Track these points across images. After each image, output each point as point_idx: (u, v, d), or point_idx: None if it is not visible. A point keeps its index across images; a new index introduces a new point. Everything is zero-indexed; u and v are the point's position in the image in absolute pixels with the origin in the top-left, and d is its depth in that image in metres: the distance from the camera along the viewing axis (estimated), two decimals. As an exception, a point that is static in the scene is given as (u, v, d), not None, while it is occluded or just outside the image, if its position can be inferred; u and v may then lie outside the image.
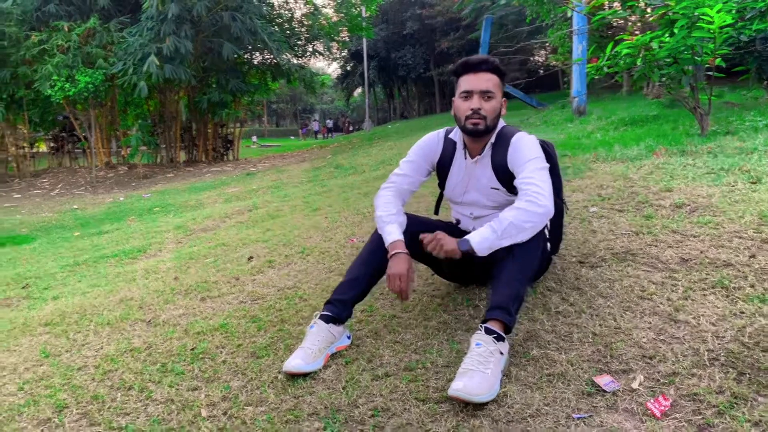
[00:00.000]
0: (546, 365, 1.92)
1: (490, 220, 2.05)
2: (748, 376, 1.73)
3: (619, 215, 3.04)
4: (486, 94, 2.18)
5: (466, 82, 2.20)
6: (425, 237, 2.08)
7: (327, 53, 20.40)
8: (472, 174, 2.33)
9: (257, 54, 17.74)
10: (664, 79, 4.57)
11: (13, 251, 5.89)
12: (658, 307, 2.14)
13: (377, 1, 20.64)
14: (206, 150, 17.79)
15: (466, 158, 2.34)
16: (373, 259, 2.26)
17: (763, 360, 1.77)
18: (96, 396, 2.02)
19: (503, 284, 1.95)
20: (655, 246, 2.59)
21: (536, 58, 30.17)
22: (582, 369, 1.88)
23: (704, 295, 2.16)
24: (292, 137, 49.33)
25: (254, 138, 39.03)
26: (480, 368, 1.78)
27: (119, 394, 2.03)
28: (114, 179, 14.19)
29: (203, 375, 2.11)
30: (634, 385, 1.78)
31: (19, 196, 12.68)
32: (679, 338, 1.96)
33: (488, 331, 1.86)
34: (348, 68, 42.88)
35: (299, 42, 18.73)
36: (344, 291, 2.20)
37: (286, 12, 18.77)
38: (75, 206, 10.08)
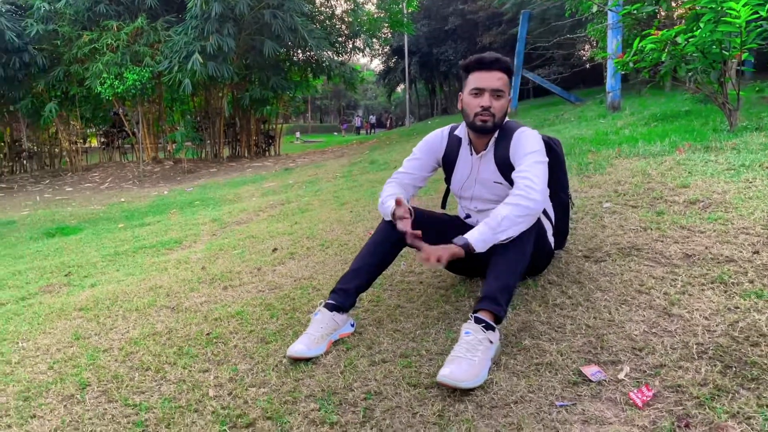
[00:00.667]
0: (536, 355, 1.99)
1: None
2: (733, 369, 1.76)
3: (631, 211, 3.05)
4: (496, 93, 2.25)
5: (478, 79, 2.26)
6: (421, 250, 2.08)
7: (368, 50, 20.52)
8: (477, 169, 2.40)
9: (298, 51, 17.98)
10: (690, 74, 4.51)
11: (60, 241, 6.21)
12: (655, 301, 2.17)
13: (418, -3, 20.70)
14: (249, 145, 18.22)
15: (471, 154, 2.41)
16: (378, 251, 2.35)
17: (751, 354, 1.80)
18: (116, 375, 2.18)
19: (494, 276, 2.02)
20: (661, 241, 2.60)
21: (580, 52, 29.53)
22: (571, 359, 1.94)
23: (702, 290, 2.18)
24: (335, 133, 50.02)
25: (297, 134, 39.58)
26: (468, 356, 1.86)
27: (137, 374, 2.18)
28: (160, 173, 14.67)
29: (215, 358, 2.25)
30: (621, 375, 1.83)
31: (71, 189, 13.25)
32: (671, 332, 1.99)
33: (478, 321, 1.94)
34: (390, 64, 42.93)
35: (339, 39, 18.89)
36: (348, 281, 2.30)
37: (327, 9, 18.96)
38: (122, 199, 10.49)
